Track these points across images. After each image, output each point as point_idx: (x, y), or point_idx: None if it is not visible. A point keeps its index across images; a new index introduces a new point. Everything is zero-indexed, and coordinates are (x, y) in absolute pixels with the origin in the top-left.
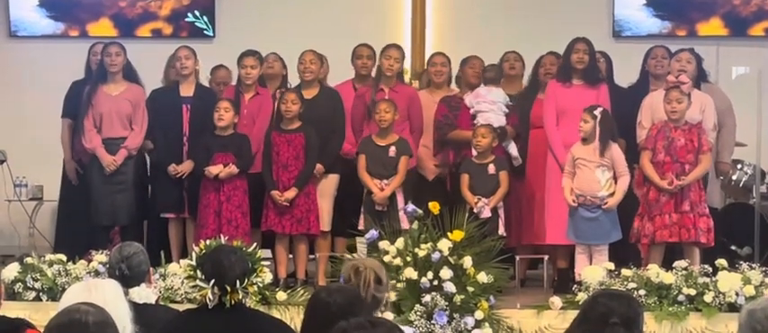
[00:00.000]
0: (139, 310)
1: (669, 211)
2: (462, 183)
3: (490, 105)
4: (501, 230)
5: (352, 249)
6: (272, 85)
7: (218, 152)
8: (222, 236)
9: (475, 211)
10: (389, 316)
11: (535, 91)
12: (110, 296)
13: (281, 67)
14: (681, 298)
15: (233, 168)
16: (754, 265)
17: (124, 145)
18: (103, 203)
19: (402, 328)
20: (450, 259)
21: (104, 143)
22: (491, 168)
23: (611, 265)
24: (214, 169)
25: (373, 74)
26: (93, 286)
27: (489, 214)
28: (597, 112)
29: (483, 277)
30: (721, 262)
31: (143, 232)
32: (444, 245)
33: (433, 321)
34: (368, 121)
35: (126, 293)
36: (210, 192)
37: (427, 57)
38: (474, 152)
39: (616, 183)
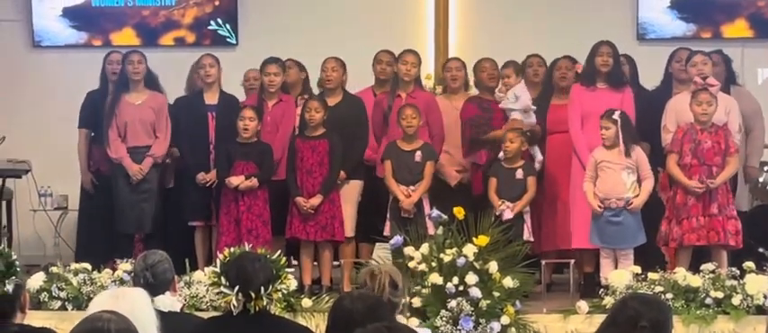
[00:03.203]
0: (164, 319)
1: (697, 215)
2: (490, 186)
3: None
4: (526, 235)
5: None
6: (294, 92)
7: (240, 160)
8: (246, 244)
9: (496, 213)
10: (414, 322)
11: (550, 95)
12: (137, 304)
13: (297, 73)
14: (708, 301)
15: (254, 182)
16: None
17: (150, 153)
18: (130, 212)
19: (422, 330)
20: (476, 264)
21: (129, 152)
22: (519, 173)
23: (638, 269)
24: (235, 180)
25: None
26: (120, 294)
27: (511, 216)
28: (616, 117)
29: (509, 282)
30: (749, 264)
31: (167, 240)
32: (469, 250)
33: (459, 327)
34: (386, 127)
35: (151, 301)
36: (231, 201)
37: None
38: (502, 155)
39: (640, 186)
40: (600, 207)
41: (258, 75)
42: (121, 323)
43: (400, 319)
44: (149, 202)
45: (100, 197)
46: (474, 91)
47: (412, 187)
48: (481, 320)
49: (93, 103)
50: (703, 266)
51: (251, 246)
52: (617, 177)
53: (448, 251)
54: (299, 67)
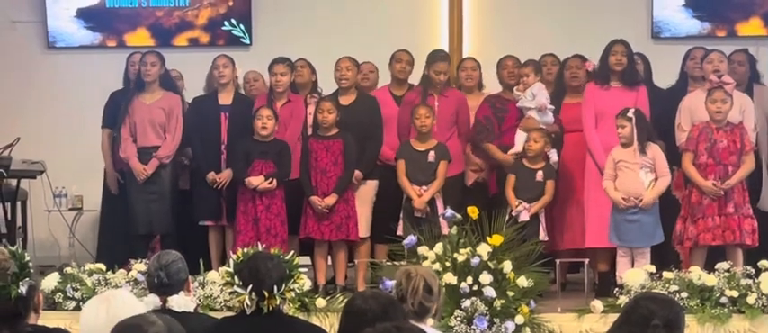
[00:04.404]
0: (178, 319)
1: (712, 214)
2: (508, 183)
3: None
4: (542, 235)
5: (395, 256)
6: (303, 92)
7: (258, 159)
8: (260, 244)
9: (513, 213)
10: (430, 322)
11: (562, 95)
12: (129, 305)
13: (309, 73)
14: (723, 300)
15: (273, 183)
16: None
17: (155, 154)
18: (140, 213)
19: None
20: (490, 264)
21: (139, 152)
22: (539, 175)
23: (653, 268)
24: (254, 181)
25: (410, 80)
26: (110, 296)
27: (527, 218)
28: (631, 115)
29: (523, 281)
30: (764, 263)
31: (183, 240)
32: (483, 249)
33: (473, 327)
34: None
35: (165, 301)
36: (248, 200)
37: None
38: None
39: None
40: (625, 201)
41: (257, 76)
42: (164, 329)
43: (432, 323)
44: (159, 204)
45: (120, 198)
46: (487, 91)
47: (424, 187)
48: (495, 320)
49: (116, 104)
50: (718, 265)
51: (264, 246)
52: (635, 177)
53: (462, 251)
54: (310, 68)
